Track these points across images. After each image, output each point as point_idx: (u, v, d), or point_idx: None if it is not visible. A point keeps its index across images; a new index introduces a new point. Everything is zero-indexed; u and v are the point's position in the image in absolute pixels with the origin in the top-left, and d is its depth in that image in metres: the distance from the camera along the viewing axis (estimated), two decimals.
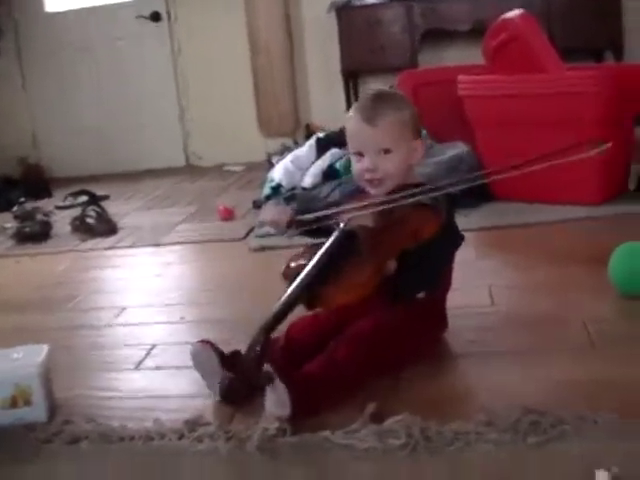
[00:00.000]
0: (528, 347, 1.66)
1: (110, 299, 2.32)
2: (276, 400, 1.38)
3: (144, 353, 1.84)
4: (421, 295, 1.65)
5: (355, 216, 1.55)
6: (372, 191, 1.66)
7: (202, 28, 4.71)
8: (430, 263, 1.61)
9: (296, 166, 3.18)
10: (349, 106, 4.54)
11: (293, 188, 3.17)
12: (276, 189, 3.22)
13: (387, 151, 1.62)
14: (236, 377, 1.38)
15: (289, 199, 3.12)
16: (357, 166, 1.67)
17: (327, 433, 1.33)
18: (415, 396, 1.47)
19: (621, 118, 2.83)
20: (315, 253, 1.48)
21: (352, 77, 4.48)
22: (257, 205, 3.30)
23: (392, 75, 4.48)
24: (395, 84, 4.20)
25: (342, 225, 1.55)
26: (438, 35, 4.27)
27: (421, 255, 1.55)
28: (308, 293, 1.42)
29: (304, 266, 1.46)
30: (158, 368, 1.76)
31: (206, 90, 4.77)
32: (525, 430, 1.29)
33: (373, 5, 4.24)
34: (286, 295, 1.41)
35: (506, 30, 2.86)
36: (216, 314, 2.08)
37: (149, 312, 2.18)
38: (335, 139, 3.25)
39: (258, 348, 1.33)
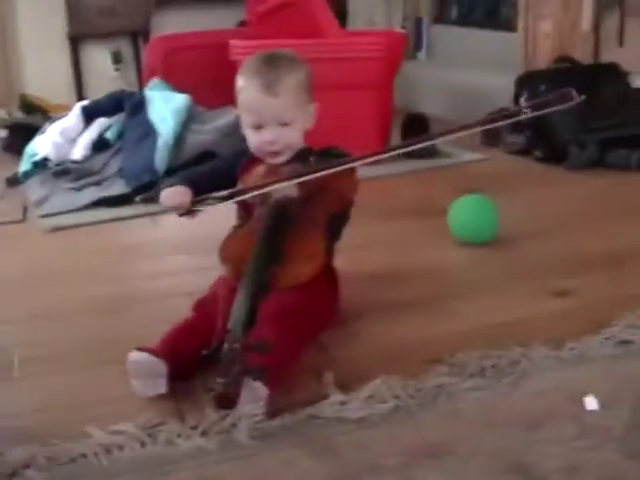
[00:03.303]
0: (415, 299, 1.73)
1: None
2: (252, 398, 1.27)
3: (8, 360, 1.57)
4: None
5: (278, 189, 1.52)
6: (272, 161, 1.61)
7: None
8: (343, 223, 1.66)
9: (65, 138, 2.90)
10: (76, 73, 4.22)
11: (61, 162, 2.89)
12: (39, 163, 2.91)
13: (288, 123, 1.58)
14: (226, 381, 1.24)
15: (60, 173, 2.84)
16: (255, 138, 1.60)
17: (312, 409, 1.28)
18: (353, 358, 1.47)
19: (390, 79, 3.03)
20: (245, 232, 1.51)
21: (76, 42, 4.15)
22: (13, 182, 2.95)
23: (122, 39, 4.27)
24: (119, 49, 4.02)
25: (269, 201, 1.53)
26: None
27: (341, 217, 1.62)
28: (269, 276, 1.41)
29: (243, 247, 1.46)
30: (34, 376, 1.51)
31: None
32: (492, 374, 1.37)
33: None
34: (245, 284, 1.38)
35: None
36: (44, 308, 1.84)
37: None
38: (101, 107, 3.01)
39: (237, 345, 1.25)
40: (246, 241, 1.51)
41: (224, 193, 1.52)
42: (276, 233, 1.48)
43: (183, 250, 2.17)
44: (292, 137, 1.59)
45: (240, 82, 1.60)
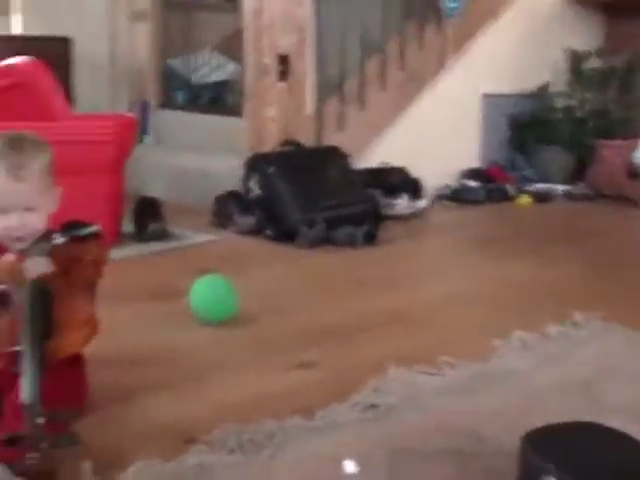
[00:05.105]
0: (164, 381, 1.71)
1: None
2: None
3: None
4: None
5: (31, 266, 1.47)
6: (15, 246, 1.54)
7: None
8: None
9: None
10: None
11: None
12: None
13: (34, 208, 1.53)
14: (38, 455, 1.21)
15: None
16: None
17: None
18: (110, 444, 1.40)
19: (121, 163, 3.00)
20: (8, 320, 1.46)
21: None
22: None
23: None
24: None
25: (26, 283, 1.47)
26: None
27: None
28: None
29: (12, 335, 1.42)
30: None
31: None
32: (250, 448, 1.39)
33: None
34: (27, 364, 1.34)
35: (10, 76, 2.77)
36: None
37: None
38: None
39: (41, 419, 1.24)
40: (12, 328, 1.45)
41: None
42: (41, 309, 1.44)
43: None
44: (38, 223, 1.55)
45: None
